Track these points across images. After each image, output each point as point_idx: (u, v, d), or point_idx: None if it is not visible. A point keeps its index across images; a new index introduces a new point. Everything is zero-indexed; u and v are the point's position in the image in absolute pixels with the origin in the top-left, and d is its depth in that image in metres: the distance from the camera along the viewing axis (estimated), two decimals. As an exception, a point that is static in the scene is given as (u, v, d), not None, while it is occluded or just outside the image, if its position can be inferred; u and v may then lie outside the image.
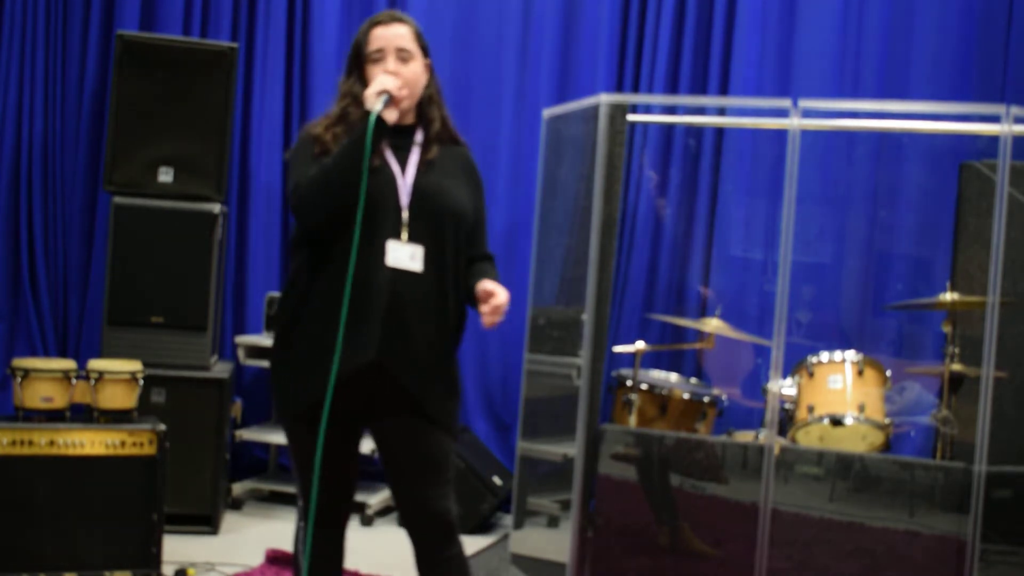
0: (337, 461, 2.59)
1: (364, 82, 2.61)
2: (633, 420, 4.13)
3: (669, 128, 5.15)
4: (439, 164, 2.62)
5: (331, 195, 2.45)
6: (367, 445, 4.11)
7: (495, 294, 2.49)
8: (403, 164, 2.58)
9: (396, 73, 2.56)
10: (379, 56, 2.59)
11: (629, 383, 4.18)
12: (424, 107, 2.67)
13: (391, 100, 2.50)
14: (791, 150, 3.65)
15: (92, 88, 5.05)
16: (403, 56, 2.59)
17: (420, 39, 2.66)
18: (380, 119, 2.46)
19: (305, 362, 2.49)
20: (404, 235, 2.51)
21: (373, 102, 2.48)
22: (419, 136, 2.65)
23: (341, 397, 2.46)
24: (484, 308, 2.50)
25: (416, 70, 2.61)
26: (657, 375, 4.54)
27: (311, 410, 2.46)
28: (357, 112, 2.58)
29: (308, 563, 2.59)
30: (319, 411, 2.43)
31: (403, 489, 2.60)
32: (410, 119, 2.66)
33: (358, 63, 2.64)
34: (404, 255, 2.49)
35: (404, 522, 2.62)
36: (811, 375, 4.07)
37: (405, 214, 2.52)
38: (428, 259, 2.51)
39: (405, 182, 2.55)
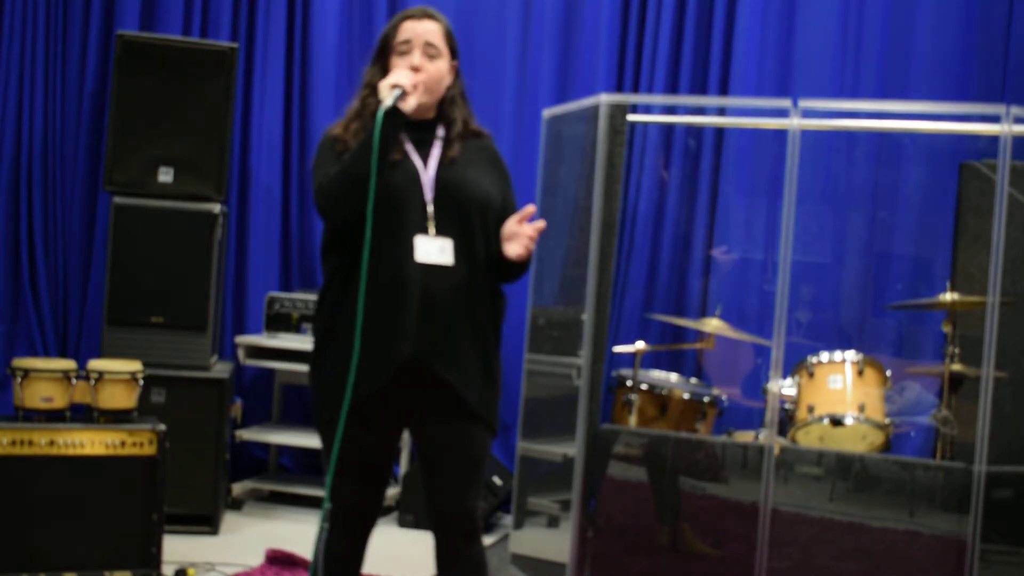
0: (374, 464, 2.59)
1: (386, 73, 2.58)
2: (633, 420, 4.12)
3: (669, 128, 5.14)
4: (461, 157, 2.60)
5: (353, 190, 2.41)
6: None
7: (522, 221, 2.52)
8: (425, 158, 2.56)
9: (418, 68, 2.52)
10: (406, 48, 2.56)
11: (629, 383, 4.17)
12: (446, 107, 2.64)
13: (403, 95, 2.45)
14: (791, 150, 3.65)
15: (92, 88, 5.05)
16: (430, 52, 2.56)
17: (450, 38, 2.63)
18: (397, 110, 2.42)
19: (345, 365, 2.45)
20: (432, 229, 2.49)
21: (385, 95, 2.44)
22: (440, 131, 2.62)
23: (383, 398, 2.47)
24: (509, 234, 2.52)
25: (441, 68, 2.59)
26: (657, 375, 4.53)
27: (354, 412, 2.45)
28: (375, 103, 2.55)
29: (323, 564, 2.60)
30: (362, 412, 2.45)
31: (437, 486, 2.59)
32: (430, 115, 2.63)
33: (383, 53, 2.62)
34: (433, 249, 2.48)
35: (431, 517, 2.61)
36: (811, 375, 4.07)
37: (430, 208, 2.51)
38: (458, 251, 2.50)
39: (428, 176, 2.54)
